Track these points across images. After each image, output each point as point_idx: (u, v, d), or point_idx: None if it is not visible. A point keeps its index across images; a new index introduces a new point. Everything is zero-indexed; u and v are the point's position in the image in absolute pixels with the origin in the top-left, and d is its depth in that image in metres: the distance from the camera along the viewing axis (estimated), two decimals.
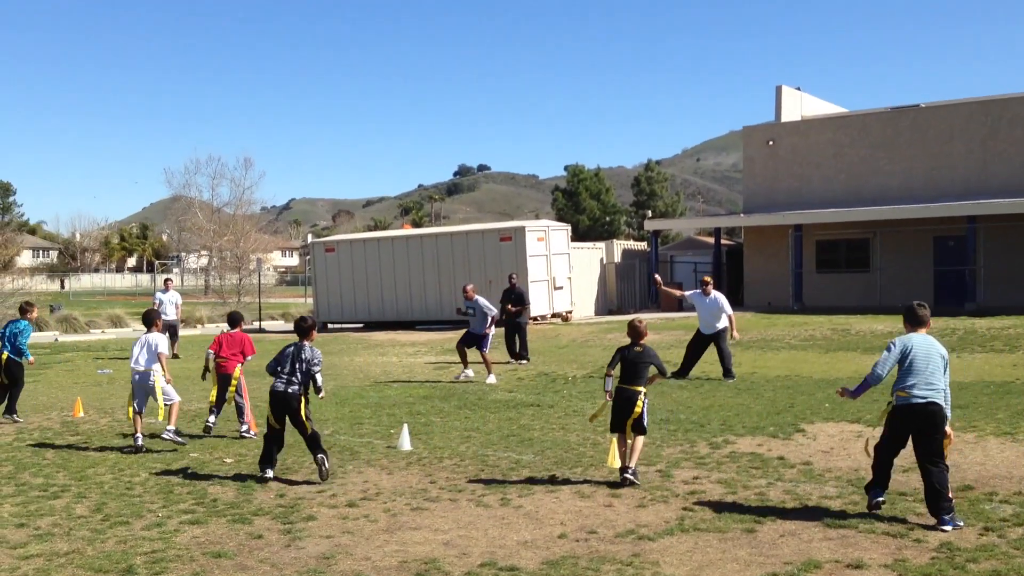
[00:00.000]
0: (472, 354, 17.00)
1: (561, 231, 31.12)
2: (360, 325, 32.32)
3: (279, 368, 8.87)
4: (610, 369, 8.60)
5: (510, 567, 6.12)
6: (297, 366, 8.83)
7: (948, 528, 6.70)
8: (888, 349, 7.26)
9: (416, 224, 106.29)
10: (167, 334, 22.61)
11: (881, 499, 7.27)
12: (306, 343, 9.04)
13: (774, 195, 35.31)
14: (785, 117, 35.99)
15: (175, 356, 22.07)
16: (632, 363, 8.49)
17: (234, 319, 11.65)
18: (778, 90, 36.44)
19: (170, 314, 22.97)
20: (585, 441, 10.50)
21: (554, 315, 29.79)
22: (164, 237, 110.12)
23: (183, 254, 79.86)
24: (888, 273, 32.12)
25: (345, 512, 7.62)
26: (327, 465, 8.61)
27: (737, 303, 35.20)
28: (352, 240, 34.42)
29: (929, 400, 7.08)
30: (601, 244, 36.76)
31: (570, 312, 30.71)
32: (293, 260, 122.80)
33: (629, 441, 8.41)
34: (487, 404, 13.50)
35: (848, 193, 33.48)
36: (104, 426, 12.09)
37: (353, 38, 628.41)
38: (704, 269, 37.73)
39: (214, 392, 11.21)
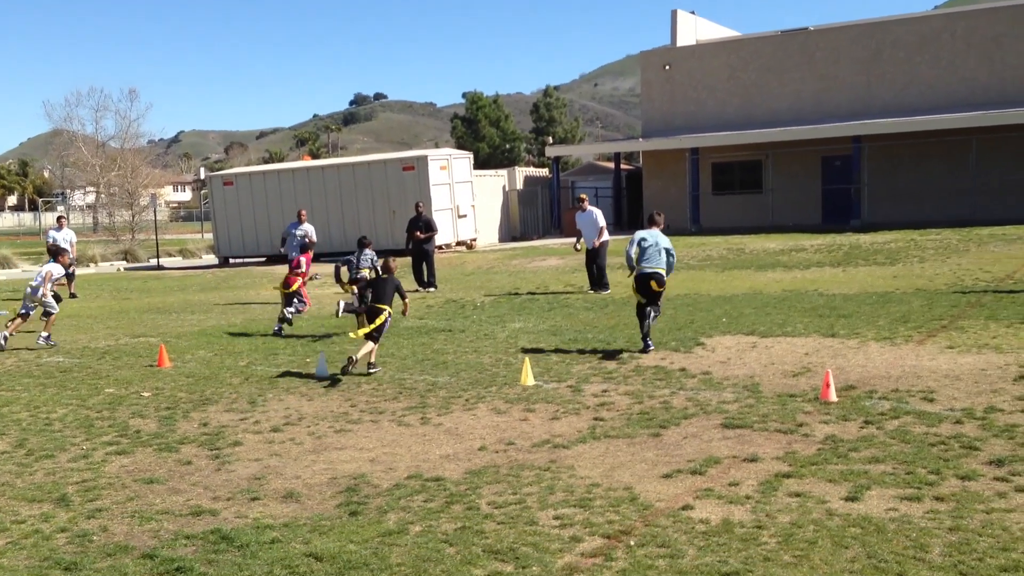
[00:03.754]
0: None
1: (463, 159, 31.19)
2: (263, 259, 31.95)
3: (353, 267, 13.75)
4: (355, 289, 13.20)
5: (436, 478, 6.48)
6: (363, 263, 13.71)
7: (650, 349, 10.87)
8: (630, 242, 11.27)
9: (314, 155, 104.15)
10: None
11: (649, 343, 11.02)
12: (368, 251, 13.93)
13: (671, 119, 35.98)
14: (681, 42, 36.48)
15: (72, 295, 21.57)
16: (380, 287, 11.08)
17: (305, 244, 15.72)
18: (673, 14, 36.82)
19: None
20: (498, 362, 10.90)
21: (459, 243, 30.04)
22: (46, 174, 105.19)
23: (68, 191, 76.58)
24: (780, 193, 33.29)
25: (271, 437, 7.85)
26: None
27: (638, 226, 36.02)
28: (251, 173, 33.77)
29: (652, 271, 11.00)
30: (503, 171, 36.96)
31: (474, 240, 30.98)
32: (186, 195, 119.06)
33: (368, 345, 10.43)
34: (400, 331, 13.75)
35: (741, 116, 34.38)
36: (11, 366, 11.92)
37: None
38: (605, 193, 38.40)
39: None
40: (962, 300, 13.88)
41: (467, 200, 30.47)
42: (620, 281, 18.77)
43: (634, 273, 11.14)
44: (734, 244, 25.84)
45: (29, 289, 13.60)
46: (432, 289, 19.70)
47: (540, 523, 5.46)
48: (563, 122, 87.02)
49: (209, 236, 38.56)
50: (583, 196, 18.47)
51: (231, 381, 10.40)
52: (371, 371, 10.40)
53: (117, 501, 6.22)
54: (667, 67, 36.14)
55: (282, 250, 19.65)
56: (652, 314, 10.94)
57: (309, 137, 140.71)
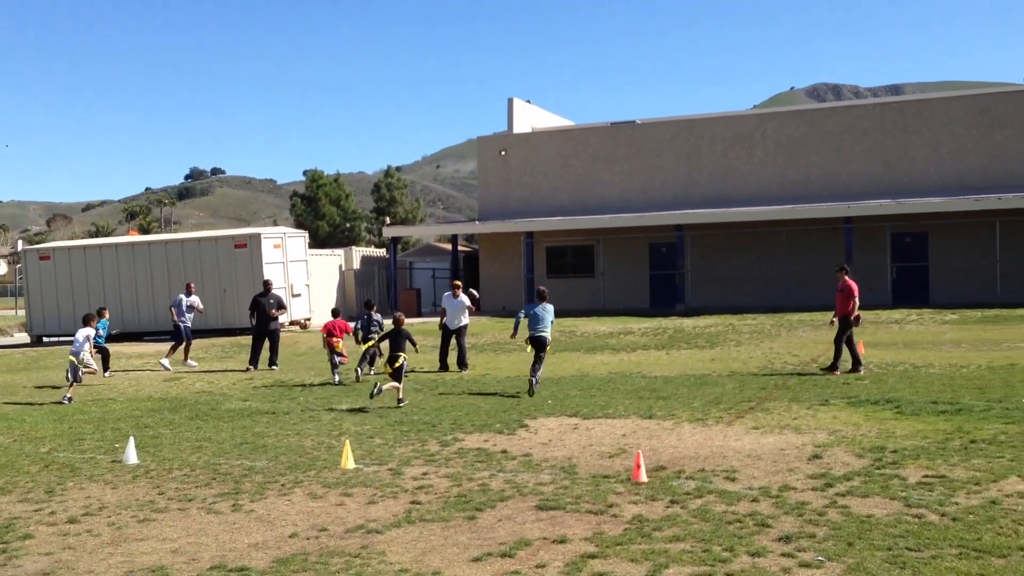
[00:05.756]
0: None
1: (299, 238, 30.87)
2: None
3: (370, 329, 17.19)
4: (379, 342, 16.15)
5: (240, 568, 6.26)
6: (373, 327, 17.15)
7: (535, 380, 14.21)
8: (523, 311, 15.32)
9: (144, 230, 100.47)
10: None
11: (536, 383, 14.20)
12: (374, 314, 17.57)
13: (507, 203, 36.92)
14: (517, 128, 37.72)
15: None
16: (396, 338, 13.84)
17: (335, 311, 18.30)
18: (510, 102, 38.12)
19: None
20: (320, 445, 10.70)
21: (292, 323, 29.47)
22: None
23: None
24: (610, 277, 34.55)
25: (66, 529, 7.38)
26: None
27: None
28: (71, 247, 32.19)
29: (540, 335, 14.72)
30: (340, 251, 36.77)
31: (308, 319, 30.50)
32: (0, 269, 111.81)
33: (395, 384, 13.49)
34: (220, 414, 13.31)
35: (574, 202, 35.68)
36: None
37: (69, 23, 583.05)
38: (442, 275, 38.72)
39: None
40: (770, 383, 14.71)
41: (302, 279, 30.07)
42: (479, 363, 18.94)
43: (528, 335, 14.86)
44: (566, 326, 26.49)
45: (72, 355, 15.77)
46: (275, 368, 19.49)
47: None
48: (404, 202, 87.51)
49: (23, 312, 36.25)
50: (458, 282, 19.39)
51: (29, 469, 9.75)
52: (400, 404, 13.37)
53: None
54: (503, 152, 37.21)
55: (182, 320, 20.79)
56: (538, 367, 14.50)
57: (140, 211, 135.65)
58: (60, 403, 15.04)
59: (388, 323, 17.37)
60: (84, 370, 15.98)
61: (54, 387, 17.54)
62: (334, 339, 17.02)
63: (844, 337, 15.74)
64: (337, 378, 16.68)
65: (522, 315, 15.19)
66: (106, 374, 18.51)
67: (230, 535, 7.10)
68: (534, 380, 14.20)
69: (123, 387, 17.32)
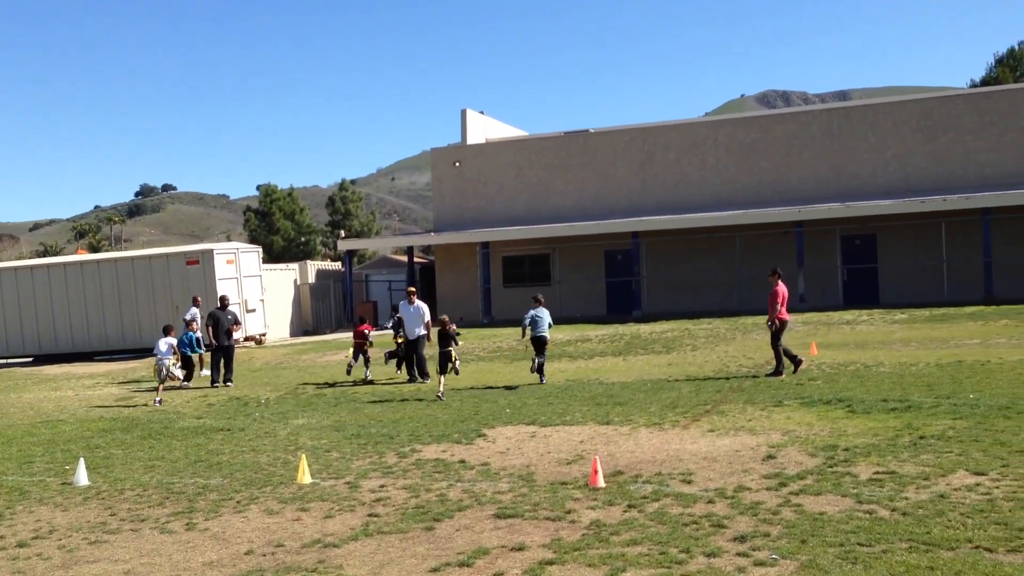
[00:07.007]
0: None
1: (252, 253, 30.58)
2: (29, 359, 29.76)
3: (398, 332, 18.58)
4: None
5: None
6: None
7: (543, 379, 16.42)
8: (527, 316, 16.78)
9: (94, 249, 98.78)
10: None
11: (544, 378, 16.55)
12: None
13: (462, 214, 36.90)
14: (471, 139, 37.72)
15: None
16: (444, 337, 16.00)
17: (361, 319, 19.89)
18: (463, 113, 38.11)
19: None
20: (276, 461, 10.59)
21: (247, 338, 29.18)
22: None
23: None
24: (567, 286, 34.65)
25: (15, 553, 7.24)
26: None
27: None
28: (17, 267, 31.58)
29: (540, 335, 16.56)
30: (294, 265, 36.49)
31: (264, 335, 30.22)
32: None
33: (443, 377, 15.67)
34: (174, 432, 13.13)
35: (529, 212, 35.76)
36: None
37: (12, 39, 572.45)
38: (399, 287, 38.56)
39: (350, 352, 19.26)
40: (725, 386, 14.85)
41: (256, 294, 29.78)
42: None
43: (528, 335, 16.74)
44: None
45: (163, 361, 17.63)
46: (230, 384, 19.27)
47: None
48: (359, 215, 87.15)
49: None
50: (412, 289, 19.26)
51: None
52: (453, 370, 15.93)
53: None
54: (457, 164, 37.19)
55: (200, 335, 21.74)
56: (539, 361, 16.46)
57: (90, 229, 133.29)
58: (153, 404, 16.67)
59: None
60: (172, 380, 18.06)
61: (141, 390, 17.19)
62: (362, 342, 18.93)
63: (779, 340, 15.90)
64: (368, 374, 18.72)
65: (528, 319, 16.73)
66: (188, 383, 19.54)
67: (184, 554, 7.01)
68: (542, 379, 16.45)
69: (73, 408, 17.01)
